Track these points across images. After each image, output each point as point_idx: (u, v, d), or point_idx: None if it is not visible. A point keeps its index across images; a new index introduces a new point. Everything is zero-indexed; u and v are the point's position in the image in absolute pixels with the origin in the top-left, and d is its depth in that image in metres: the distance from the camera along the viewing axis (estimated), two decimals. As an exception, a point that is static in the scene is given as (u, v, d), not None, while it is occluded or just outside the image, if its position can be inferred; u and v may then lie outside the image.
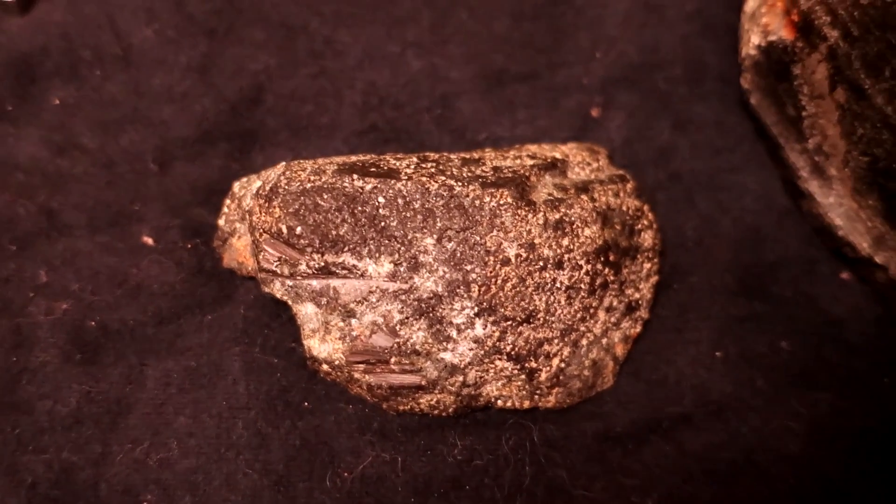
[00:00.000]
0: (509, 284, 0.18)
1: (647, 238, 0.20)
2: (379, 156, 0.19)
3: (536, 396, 0.19)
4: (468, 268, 0.18)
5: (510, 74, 0.23)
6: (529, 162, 0.19)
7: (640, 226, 0.20)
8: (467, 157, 0.20)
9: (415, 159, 0.19)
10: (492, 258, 0.18)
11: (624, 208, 0.20)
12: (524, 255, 0.18)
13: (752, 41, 0.21)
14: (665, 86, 0.23)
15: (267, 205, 0.18)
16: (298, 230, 0.18)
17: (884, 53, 0.18)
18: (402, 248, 0.18)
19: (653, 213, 0.20)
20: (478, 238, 0.18)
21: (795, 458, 0.19)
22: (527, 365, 0.18)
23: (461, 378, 0.18)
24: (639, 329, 0.20)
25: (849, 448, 0.19)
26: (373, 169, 0.18)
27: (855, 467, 0.19)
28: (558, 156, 0.20)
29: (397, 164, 0.19)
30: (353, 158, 0.19)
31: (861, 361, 0.20)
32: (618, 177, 0.20)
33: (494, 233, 0.18)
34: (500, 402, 0.19)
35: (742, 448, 0.19)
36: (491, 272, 0.18)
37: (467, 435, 0.19)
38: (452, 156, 0.20)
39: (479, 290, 0.18)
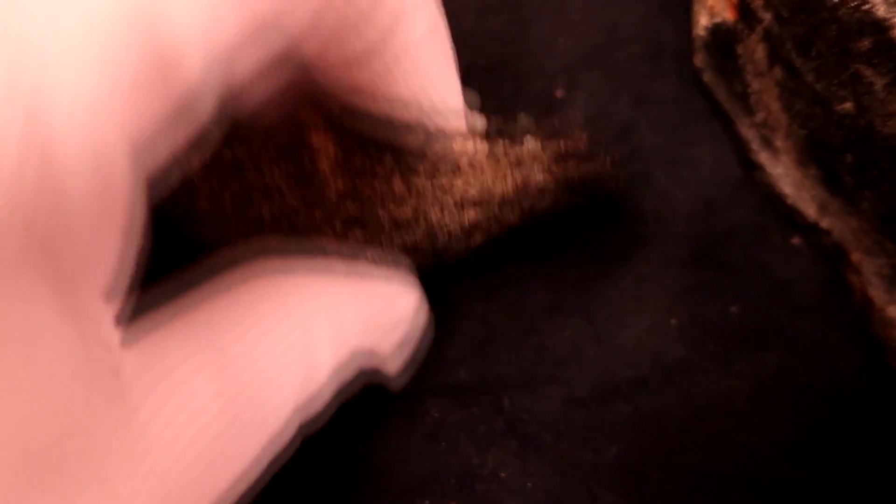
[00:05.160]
0: None
1: None
2: None
3: None
4: None
5: (478, 67, 0.24)
6: None
7: None
8: None
9: None
10: None
11: None
12: None
13: (701, 22, 0.22)
14: (625, 65, 0.24)
15: None
16: None
17: (809, 35, 0.19)
18: None
19: None
20: None
21: (741, 415, 0.21)
22: None
23: None
24: None
25: (791, 403, 0.21)
26: None
27: (797, 421, 0.21)
28: None
29: None
30: None
31: (808, 321, 0.21)
32: None
33: None
34: None
35: (693, 408, 0.21)
36: None
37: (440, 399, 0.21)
38: None
39: None
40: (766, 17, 0.20)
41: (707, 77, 0.23)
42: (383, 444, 0.21)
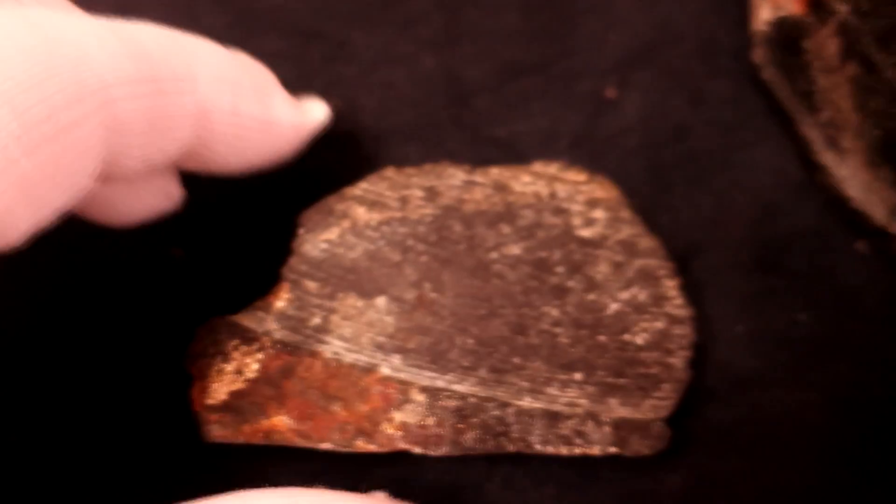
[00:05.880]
0: None
1: None
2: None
3: None
4: None
5: (523, 67, 0.23)
6: None
7: None
8: None
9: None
10: None
11: None
12: None
13: (762, 16, 0.22)
14: (679, 63, 0.23)
15: None
16: None
17: (894, 28, 0.18)
18: None
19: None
20: None
21: (816, 428, 0.20)
22: None
23: None
24: None
25: (867, 417, 0.20)
26: None
27: (873, 436, 0.20)
28: None
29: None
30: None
31: (878, 331, 0.21)
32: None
33: None
34: None
35: (764, 421, 0.20)
36: None
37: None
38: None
39: None
40: (843, 9, 0.19)
41: (766, 74, 0.22)
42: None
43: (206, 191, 0.20)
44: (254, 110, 0.17)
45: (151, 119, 0.14)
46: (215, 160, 0.17)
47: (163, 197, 0.19)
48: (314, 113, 0.19)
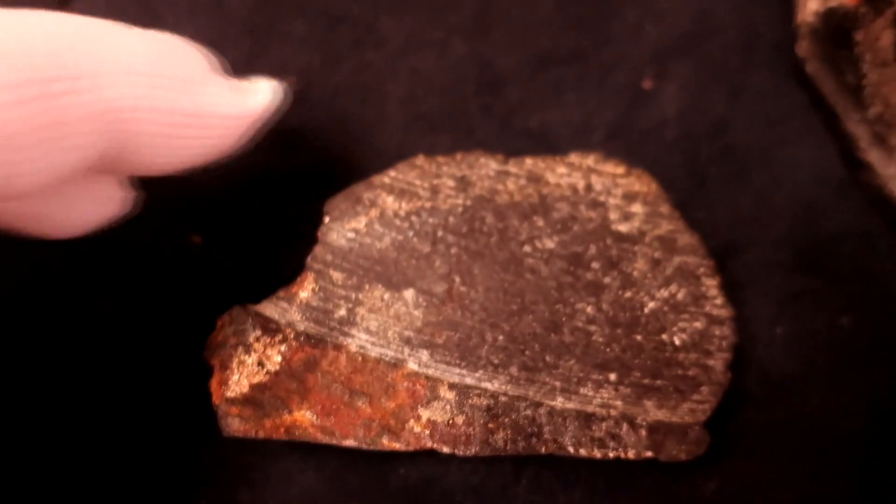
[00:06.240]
0: None
1: None
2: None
3: None
4: None
5: (556, 56, 0.22)
6: None
7: None
8: None
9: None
10: None
11: None
12: None
13: (810, 7, 0.21)
14: (718, 55, 0.22)
15: None
16: None
17: (953, 20, 0.17)
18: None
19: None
20: None
21: (857, 435, 0.19)
22: None
23: None
24: None
25: (913, 424, 0.19)
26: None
27: (920, 444, 0.19)
28: None
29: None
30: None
31: (925, 336, 0.20)
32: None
33: None
34: None
35: (804, 426, 0.19)
36: None
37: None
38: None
39: None
40: (899, -1, 0.18)
41: (811, 68, 0.21)
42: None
43: (229, 176, 0.19)
44: (179, 104, 0.15)
45: (39, 127, 0.12)
46: (143, 163, 0.15)
47: (108, 203, 0.17)
48: (258, 98, 0.17)
